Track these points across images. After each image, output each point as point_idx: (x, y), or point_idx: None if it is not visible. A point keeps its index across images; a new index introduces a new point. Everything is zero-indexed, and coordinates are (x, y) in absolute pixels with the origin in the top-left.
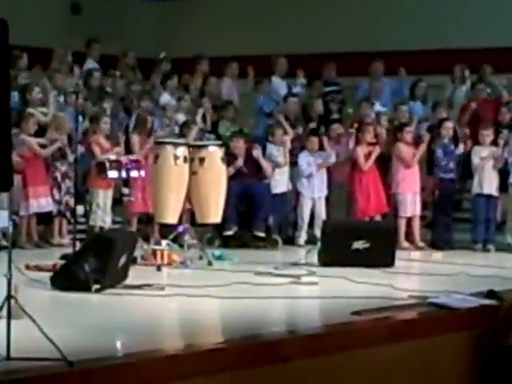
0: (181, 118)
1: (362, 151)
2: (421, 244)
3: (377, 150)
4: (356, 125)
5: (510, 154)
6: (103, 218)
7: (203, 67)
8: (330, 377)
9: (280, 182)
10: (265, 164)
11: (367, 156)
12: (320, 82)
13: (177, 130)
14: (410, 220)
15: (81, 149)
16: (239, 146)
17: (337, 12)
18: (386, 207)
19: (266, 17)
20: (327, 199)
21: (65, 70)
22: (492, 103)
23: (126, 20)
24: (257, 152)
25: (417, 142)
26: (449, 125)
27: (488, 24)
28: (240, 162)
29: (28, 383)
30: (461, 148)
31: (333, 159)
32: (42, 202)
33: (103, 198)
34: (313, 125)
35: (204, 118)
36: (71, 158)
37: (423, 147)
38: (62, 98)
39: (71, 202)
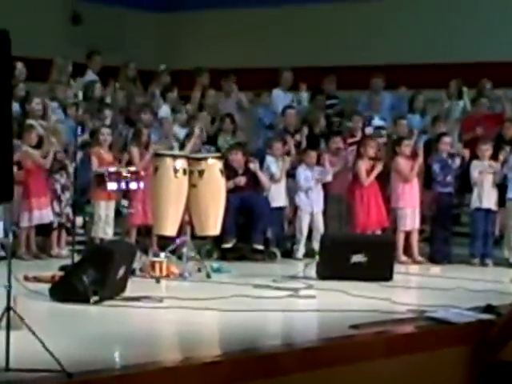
0: (177, 130)
1: (363, 166)
2: (419, 258)
3: (379, 167)
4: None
5: (510, 170)
6: (105, 229)
7: (203, 80)
8: None
9: (276, 196)
10: (262, 177)
11: (369, 171)
12: (322, 96)
13: (175, 142)
14: (408, 234)
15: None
16: (237, 158)
17: (337, 26)
18: (386, 221)
19: (267, 30)
20: (324, 212)
21: (65, 81)
22: (493, 118)
23: (126, 31)
24: (254, 165)
25: (415, 156)
26: (447, 140)
27: (487, 38)
28: (242, 179)
29: None
30: (457, 161)
31: (330, 177)
32: (43, 213)
33: (105, 209)
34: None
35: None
36: (71, 169)
37: (419, 161)
38: (61, 110)
39: (71, 213)
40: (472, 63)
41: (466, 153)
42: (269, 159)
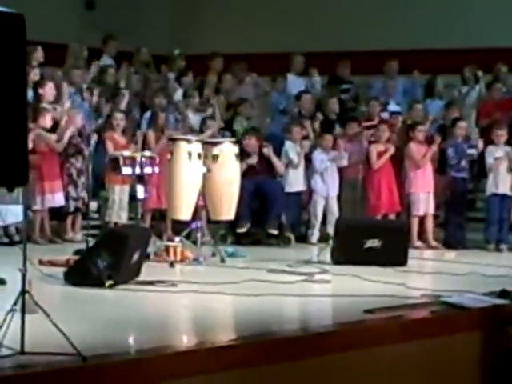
0: (190, 115)
1: (375, 149)
2: (434, 243)
3: (391, 150)
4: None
5: None
6: (119, 213)
7: (217, 65)
8: (342, 375)
9: (295, 181)
10: (276, 162)
11: (381, 155)
12: (338, 81)
13: (189, 126)
14: (422, 219)
15: (93, 142)
16: (251, 143)
17: (351, 11)
18: (398, 206)
19: (281, 15)
20: (338, 197)
21: (80, 66)
22: (508, 102)
23: (140, 16)
24: (267, 150)
25: (429, 141)
26: (462, 124)
27: (503, 23)
28: (253, 159)
29: (41, 377)
30: (473, 150)
31: (345, 162)
32: (56, 196)
33: (119, 193)
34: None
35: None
36: (87, 153)
37: (434, 148)
38: (77, 94)
39: (86, 197)
40: (487, 48)
41: (481, 143)
42: (287, 144)
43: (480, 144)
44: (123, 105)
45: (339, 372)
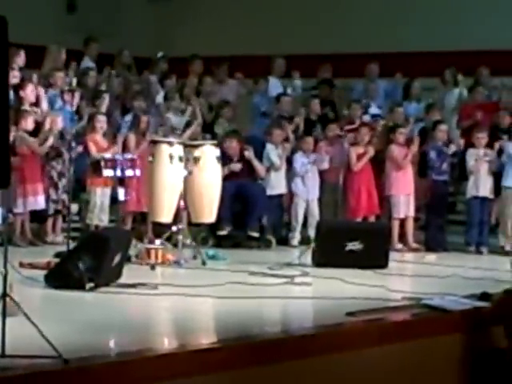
0: (171, 117)
1: (354, 152)
2: (414, 245)
3: (370, 152)
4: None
5: (507, 159)
6: (100, 216)
7: (197, 67)
8: (324, 377)
9: (276, 184)
10: (258, 165)
11: (361, 157)
12: (326, 85)
13: (171, 129)
14: (403, 221)
15: (78, 148)
16: (233, 146)
17: (332, 14)
18: (377, 209)
19: (263, 17)
20: (319, 200)
21: (59, 68)
22: (489, 106)
23: (122, 19)
24: (248, 153)
25: (409, 143)
26: (443, 127)
27: (484, 26)
28: (237, 165)
29: (23, 380)
30: (452, 147)
31: (326, 164)
32: (38, 199)
33: (100, 196)
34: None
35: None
36: (67, 156)
37: (414, 149)
38: (59, 98)
39: (67, 200)
40: (469, 51)
41: (462, 142)
42: (269, 147)
43: (461, 142)
44: (104, 107)
45: (321, 374)
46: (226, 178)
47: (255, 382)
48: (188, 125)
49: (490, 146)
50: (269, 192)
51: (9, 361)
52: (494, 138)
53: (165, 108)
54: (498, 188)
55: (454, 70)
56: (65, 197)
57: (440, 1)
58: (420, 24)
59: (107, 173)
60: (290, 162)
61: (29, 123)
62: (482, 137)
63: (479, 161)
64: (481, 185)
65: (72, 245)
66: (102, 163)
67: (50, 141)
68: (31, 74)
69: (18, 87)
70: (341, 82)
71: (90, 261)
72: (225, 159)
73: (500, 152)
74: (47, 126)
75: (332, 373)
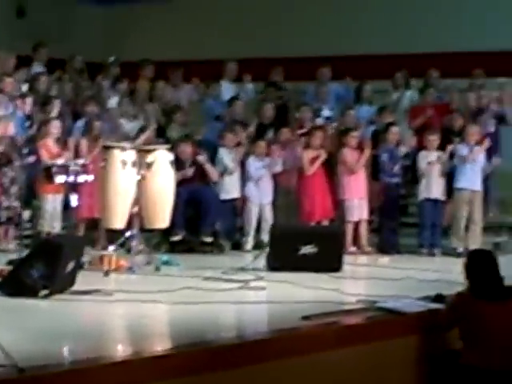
0: (124, 122)
1: (307, 155)
2: (368, 248)
3: (322, 155)
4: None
5: (458, 161)
6: (52, 223)
7: (148, 72)
8: (280, 382)
9: (230, 188)
10: (210, 169)
11: (313, 161)
12: (272, 88)
13: (123, 134)
14: (356, 225)
15: (30, 159)
16: (186, 151)
17: (283, 17)
18: (332, 212)
19: (213, 21)
20: (273, 204)
21: (9, 74)
22: (440, 107)
23: (72, 23)
24: (202, 158)
25: (361, 147)
26: (395, 129)
27: (434, 29)
28: (189, 170)
29: None
30: (403, 149)
31: (279, 168)
32: None
33: (52, 202)
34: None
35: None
36: (18, 162)
37: (367, 153)
38: (10, 103)
39: (19, 207)
40: (419, 54)
41: (413, 141)
42: (222, 151)
43: (412, 142)
44: (55, 113)
45: (277, 379)
46: (179, 184)
47: None
48: (142, 130)
49: (441, 148)
50: (222, 196)
51: None
52: (446, 141)
53: (117, 113)
54: (449, 190)
55: (406, 72)
56: (16, 204)
57: (391, 3)
58: (371, 27)
59: (59, 179)
60: (243, 166)
61: None
62: (434, 139)
63: (431, 163)
64: (433, 187)
65: (25, 252)
66: (54, 170)
67: (1, 147)
68: None
69: None
70: (293, 85)
71: (44, 268)
72: (178, 164)
73: (452, 154)
74: None
75: (288, 377)
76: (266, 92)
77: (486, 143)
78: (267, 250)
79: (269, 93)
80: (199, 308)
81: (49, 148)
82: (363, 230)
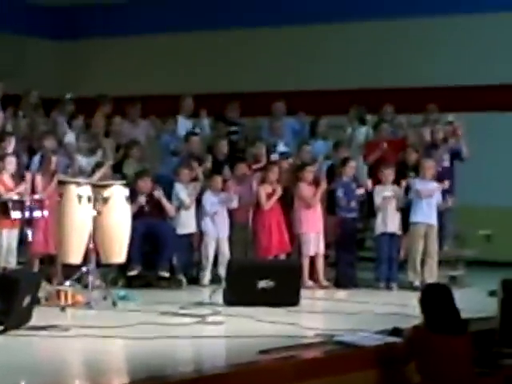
0: (80, 158)
1: (263, 191)
2: (325, 283)
3: (279, 191)
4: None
5: (413, 195)
6: (7, 258)
7: (105, 107)
8: None
9: (186, 223)
10: (167, 204)
11: (270, 196)
12: (223, 123)
13: (79, 169)
14: (313, 259)
15: None
16: (146, 185)
17: (239, 53)
18: (288, 247)
19: (170, 58)
20: (229, 239)
21: None
22: (395, 143)
23: (27, 59)
24: (158, 193)
25: (317, 181)
26: (352, 164)
27: (389, 64)
28: (142, 199)
29: None
30: (360, 190)
31: (235, 203)
32: None
33: (7, 238)
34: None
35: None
36: None
37: (323, 186)
38: None
39: None
40: (374, 89)
41: (369, 183)
42: (178, 186)
43: (369, 184)
44: (10, 149)
45: None
46: (135, 217)
47: None
48: (98, 165)
49: (396, 182)
50: (179, 231)
51: None
52: (401, 175)
53: (74, 148)
54: (405, 224)
55: (363, 108)
56: None
57: (345, 39)
58: (326, 62)
59: (15, 215)
60: (199, 201)
61: None
62: (389, 173)
63: (386, 198)
64: (389, 221)
65: None
66: (10, 205)
67: None
68: None
69: None
70: (249, 120)
71: (0, 303)
72: (134, 198)
73: (407, 188)
74: None
75: None
76: (216, 127)
77: (446, 183)
78: (224, 284)
79: (219, 128)
80: (156, 343)
81: (4, 183)
82: (320, 264)
